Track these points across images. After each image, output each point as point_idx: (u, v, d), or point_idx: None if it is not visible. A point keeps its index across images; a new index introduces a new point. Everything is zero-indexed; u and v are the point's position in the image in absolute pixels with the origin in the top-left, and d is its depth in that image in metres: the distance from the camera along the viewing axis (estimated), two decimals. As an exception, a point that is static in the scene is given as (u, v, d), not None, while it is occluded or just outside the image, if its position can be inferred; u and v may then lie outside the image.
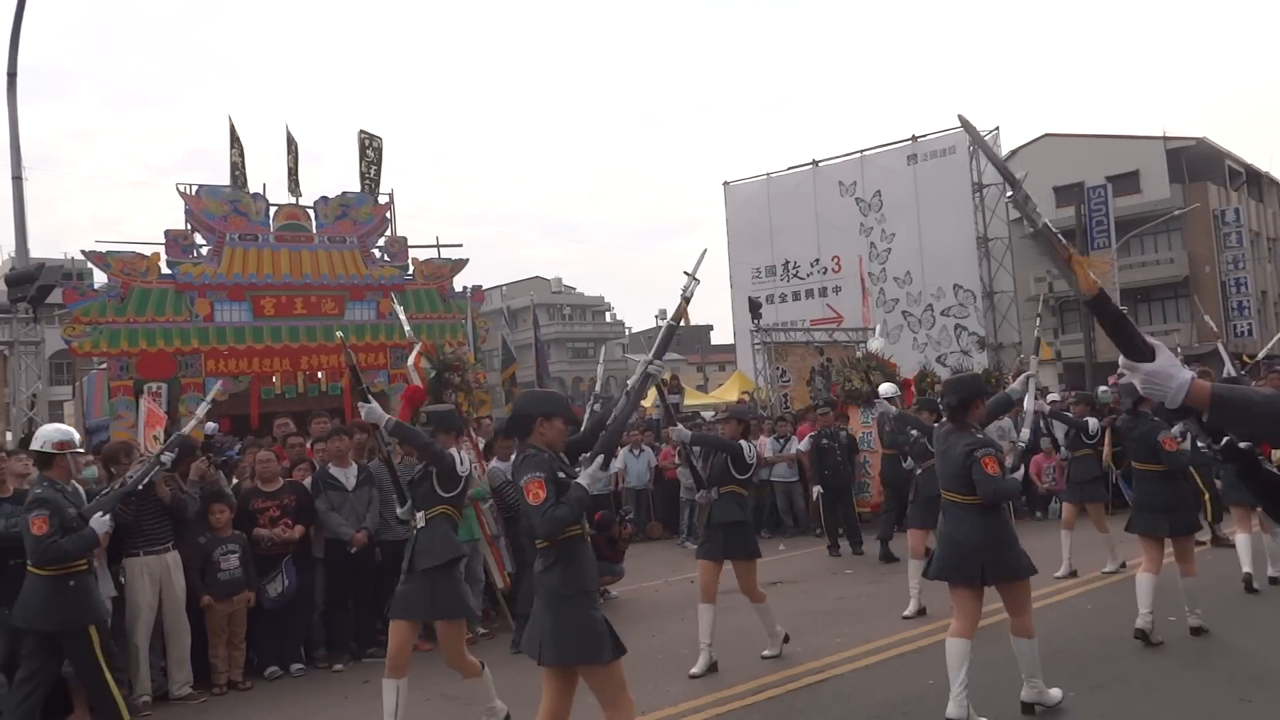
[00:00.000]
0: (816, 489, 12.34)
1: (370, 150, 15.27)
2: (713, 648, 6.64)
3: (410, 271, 15.06)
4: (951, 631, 5.26)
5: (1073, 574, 9.11)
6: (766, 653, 6.88)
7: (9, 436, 11.17)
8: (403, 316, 9.12)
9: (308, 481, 7.81)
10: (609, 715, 4.11)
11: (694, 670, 6.54)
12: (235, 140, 14.17)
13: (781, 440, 13.74)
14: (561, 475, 4.15)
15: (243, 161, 14.10)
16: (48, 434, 5.89)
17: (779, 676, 6.40)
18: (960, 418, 5.38)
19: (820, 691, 6.10)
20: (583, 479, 4.15)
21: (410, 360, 8.31)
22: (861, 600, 8.86)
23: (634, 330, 68.21)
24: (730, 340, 31.66)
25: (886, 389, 9.31)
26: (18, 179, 12.64)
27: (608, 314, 67.56)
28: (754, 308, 17.68)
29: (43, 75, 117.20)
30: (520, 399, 4.65)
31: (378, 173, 15.18)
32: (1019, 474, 5.58)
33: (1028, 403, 6.38)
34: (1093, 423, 10.00)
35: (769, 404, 16.68)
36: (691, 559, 7.79)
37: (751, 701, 5.98)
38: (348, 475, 7.77)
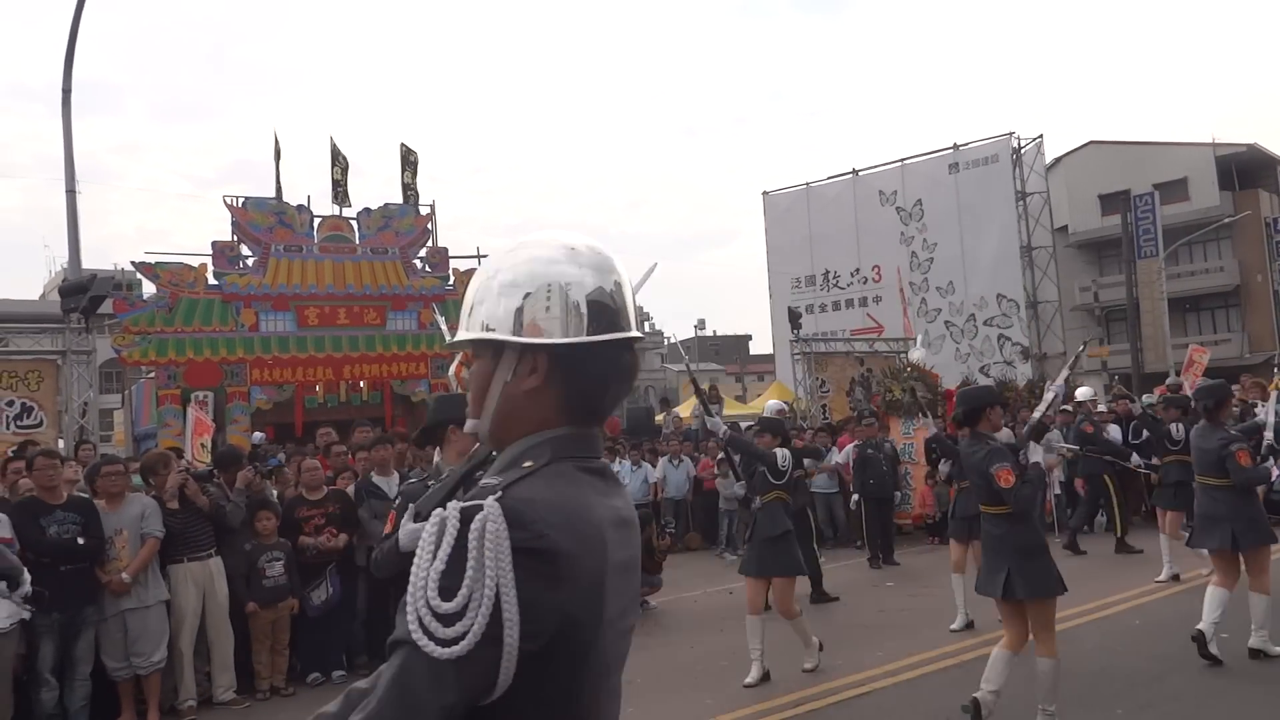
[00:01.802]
0: (855, 497, 12.25)
1: (409, 163, 15.48)
2: (765, 656, 6.63)
3: (451, 282, 15.20)
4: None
5: (1175, 577, 9.03)
6: (806, 665, 6.82)
7: (61, 444, 11.40)
8: (444, 326, 9.19)
9: (350, 490, 7.88)
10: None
11: (747, 680, 6.52)
12: (278, 154, 14.42)
13: (823, 450, 13.63)
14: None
15: (279, 173, 14.33)
16: None
17: (819, 689, 6.33)
18: (1215, 416, 6.48)
19: (861, 706, 6.04)
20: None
21: (451, 370, 8.37)
22: (904, 613, 8.76)
23: (673, 339, 68.18)
24: (769, 350, 31.49)
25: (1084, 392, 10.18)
26: (71, 193, 12.94)
27: (646, 324, 67.63)
28: (794, 318, 17.59)
29: (91, 90, 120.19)
30: (434, 404, 4.38)
31: (415, 184, 15.39)
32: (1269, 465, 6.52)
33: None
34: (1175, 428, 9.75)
35: (809, 414, 16.57)
36: (730, 570, 7.77)
37: (791, 714, 5.92)
38: (390, 484, 7.83)
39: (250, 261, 13.92)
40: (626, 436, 15.85)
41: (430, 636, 1.11)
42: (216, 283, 13.55)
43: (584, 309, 1.32)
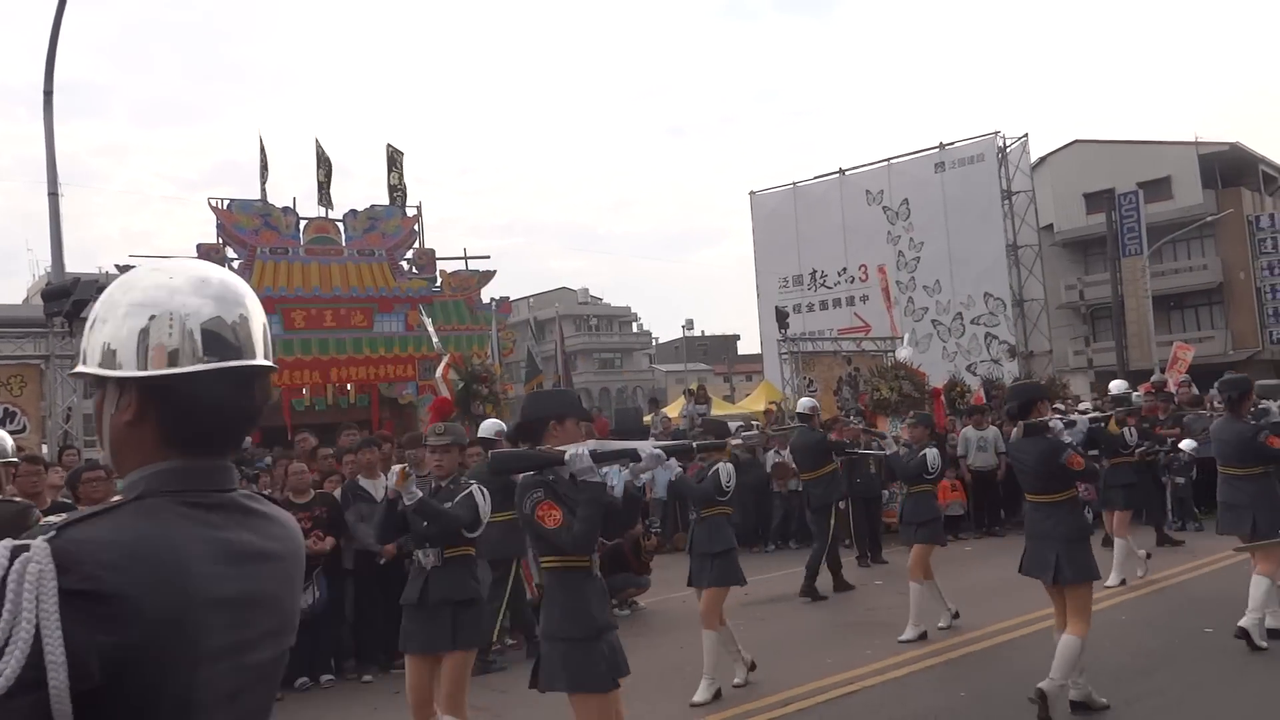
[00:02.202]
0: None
1: (396, 164, 15.44)
2: (716, 678, 6.34)
3: (438, 283, 15.17)
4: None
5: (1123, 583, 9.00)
6: (736, 680, 6.54)
7: (45, 449, 11.33)
8: (431, 329, 9.20)
9: (337, 493, 7.86)
10: None
11: (695, 699, 6.21)
12: (263, 156, 14.36)
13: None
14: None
15: (265, 177, 14.27)
16: None
17: (808, 689, 6.35)
18: (1237, 408, 6.75)
19: (850, 704, 6.05)
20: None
21: (439, 372, 8.38)
22: (891, 611, 8.77)
23: (661, 340, 68.23)
24: (757, 350, 31.56)
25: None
26: (54, 195, 12.85)
27: (634, 324, 67.63)
28: (781, 317, 17.63)
29: (74, 91, 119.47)
30: (528, 401, 4.20)
31: (402, 185, 15.35)
32: None
33: None
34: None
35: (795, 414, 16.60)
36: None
37: (780, 714, 5.94)
38: (377, 487, 7.80)
39: (236, 264, 13.86)
40: (615, 437, 15.86)
41: None
42: (201, 286, 13.50)
43: (197, 338, 1.30)
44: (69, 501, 6.68)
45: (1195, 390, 14.37)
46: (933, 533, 7.92)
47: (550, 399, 4.29)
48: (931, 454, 7.97)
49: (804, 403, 10.87)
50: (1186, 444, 11.69)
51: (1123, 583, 8.89)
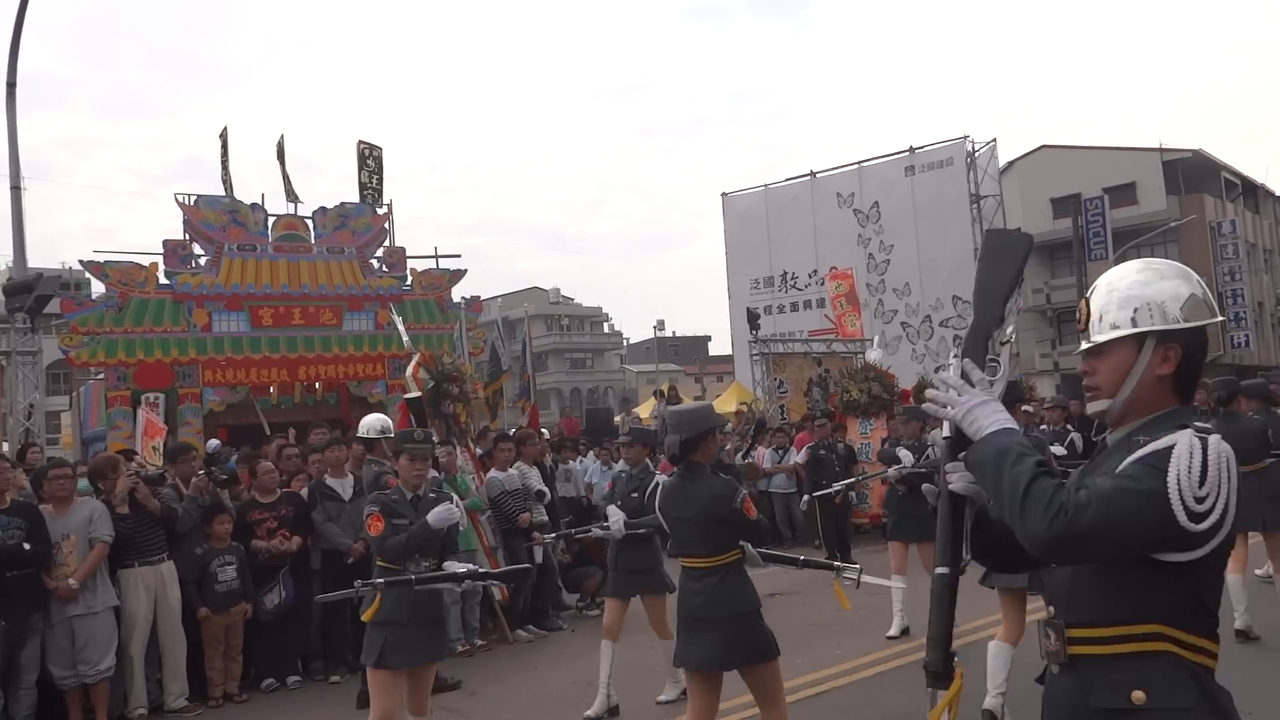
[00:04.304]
0: (805, 499, 12.26)
1: (370, 160, 15.29)
2: (611, 687, 6.16)
3: (409, 282, 15.06)
4: None
5: None
6: (661, 698, 6.33)
7: (5, 447, 11.14)
8: (401, 327, 9.13)
9: (304, 492, 7.78)
10: (767, 715, 4.37)
11: (589, 713, 6.06)
12: (225, 151, 14.18)
13: (780, 451, 13.73)
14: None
15: (227, 172, 14.10)
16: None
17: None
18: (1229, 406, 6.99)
19: (819, 704, 6.08)
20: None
21: (409, 371, 8.29)
22: (861, 612, 8.82)
23: (632, 341, 68.24)
24: (729, 351, 31.67)
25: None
26: (16, 189, 12.65)
27: (605, 325, 67.59)
28: (752, 319, 17.69)
29: (36, 83, 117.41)
30: (688, 415, 4.47)
31: (379, 182, 15.20)
32: None
33: None
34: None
35: (767, 414, 16.67)
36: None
37: (752, 713, 5.94)
38: (344, 486, 7.75)
39: (203, 261, 13.67)
40: (586, 436, 15.84)
41: None
42: (168, 282, 13.29)
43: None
44: (29, 500, 6.58)
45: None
46: None
47: (708, 412, 4.62)
48: (932, 435, 7.87)
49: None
50: None
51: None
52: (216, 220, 13.70)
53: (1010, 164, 35.84)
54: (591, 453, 14.03)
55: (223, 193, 14.03)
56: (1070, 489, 1.75)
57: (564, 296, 66.72)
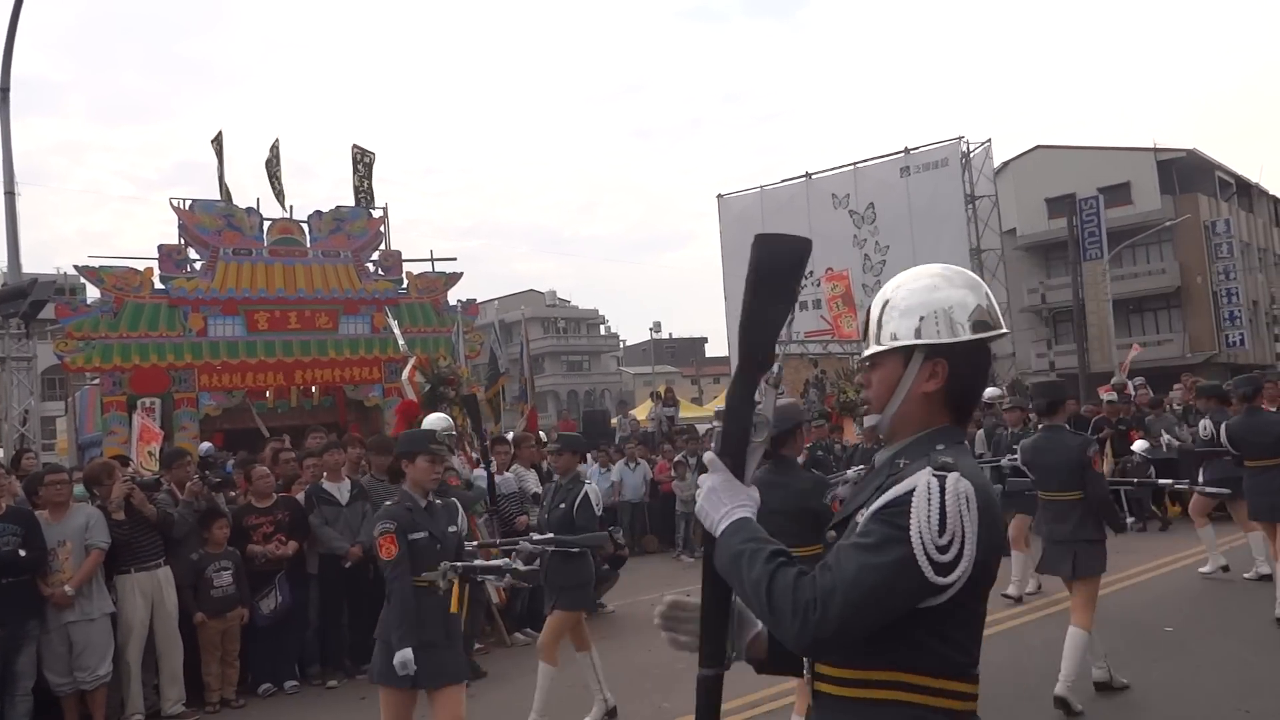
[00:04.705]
0: None
1: (361, 165, 15.29)
2: (605, 690, 5.97)
3: (404, 285, 15.06)
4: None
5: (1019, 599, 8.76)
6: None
7: (0, 453, 11.11)
8: (397, 331, 9.12)
9: (301, 497, 7.77)
10: None
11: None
12: (220, 156, 14.18)
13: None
14: None
15: (222, 176, 14.09)
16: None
17: (775, 690, 6.36)
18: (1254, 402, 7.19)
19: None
20: None
21: (405, 374, 8.29)
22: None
23: (628, 343, 68.25)
24: (725, 352, 31.69)
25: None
26: (10, 194, 12.63)
27: (602, 327, 67.59)
28: (748, 320, 17.68)
29: (30, 88, 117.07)
30: (780, 411, 4.48)
31: (369, 186, 15.20)
32: None
33: None
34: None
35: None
36: (689, 571, 7.61)
37: (749, 715, 5.95)
38: (341, 490, 7.74)
39: (198, 265, 13.67)
40: (583, 439, 15.81)
41: None
42: (163, 287, 13.28)
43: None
44: (25, 506, 6.56)
45: (1151, 392, 14.60)
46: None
47: (796, 409, 4.75)
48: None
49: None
50: (1139, 445, 11.87)
51: (1019, 600, 8.43)
52: (212, 224, 13.69)
53: (1005, 164, 35.91)
54: (589, 455, 14.03)
55: (218, 197, 14.02)
56: (814, 577, 1.62)
57: (560, 299, 66.73)
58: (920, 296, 1.82)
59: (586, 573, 5.99)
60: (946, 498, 1.59)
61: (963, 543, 1.58)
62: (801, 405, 4.98)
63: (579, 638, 6.00)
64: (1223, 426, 7.69)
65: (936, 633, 1.66)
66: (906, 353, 1.81)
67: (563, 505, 5.85)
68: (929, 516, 1.59)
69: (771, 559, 1.67)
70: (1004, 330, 1.83)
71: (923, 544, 1.57)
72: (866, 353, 1.88)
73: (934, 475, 1.62)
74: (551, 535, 5.77)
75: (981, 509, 1.62)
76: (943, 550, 1.57)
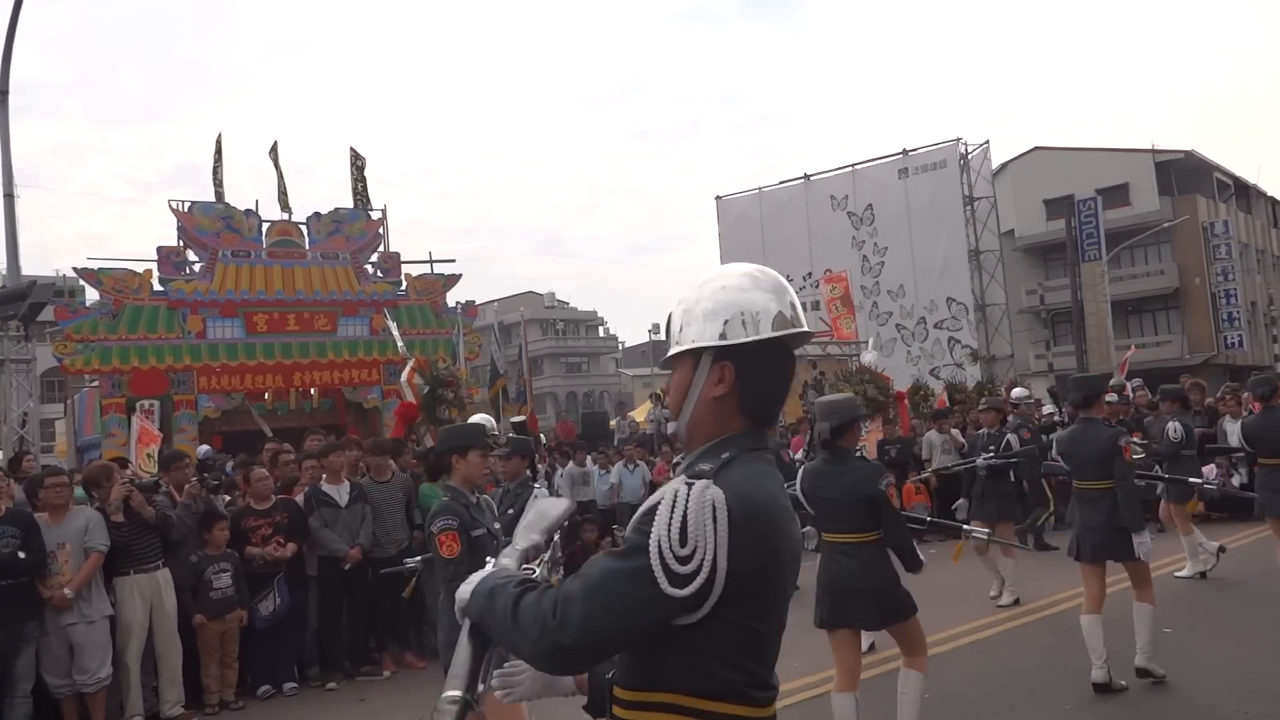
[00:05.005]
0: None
1: (354, 169, 15.31)
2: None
3: (403, 287, 15.06)
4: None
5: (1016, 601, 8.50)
6: None
7: (0, 455, 11.11)
8: (395, 332, 9.12)
9: (300, 499, 7.77)
10: (911, 659, 4.81)
11: None
12: (218, 158, 14.18)
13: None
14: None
15: (218, 177, 14.09)
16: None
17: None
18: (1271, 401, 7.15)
19: (817, 707, 6.08)
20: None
21: (404, 376, 8.30)
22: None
23: (627, 345, 68.22)
24: (723, 354, 31.62)
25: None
26: (9, 196, 12.62)
27: (601, 328, 67.58)
28: (747, 322, 17.68)
29: (28, 91, 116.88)
30: (838, 404, 4.86)
31: (364, 189, 15.22)
32: None
33: None
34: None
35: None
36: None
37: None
38: (340, 492, 7.74)
39: (197, 267, 13.68)
40: (582, 441, 15.83)
41: None
42: (162, 289, 13.29)
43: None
44: (25, 509, 6.56)
45: (1150, 394, 14.60)
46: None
47: (854, 403, 4.99)
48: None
49: (1017, 393, 12.01)
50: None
51: (1016, 602, 8.29)
52: (210, 226, 13.71)
53: (1003, 166, 35.96)
54: (588, 457, 14.04)
55: (216, 199, 14.03)
56: (561, 586, 1.58)
57: (559, 301, 66.71)
58: (714, 300, 1.73)
59: None
60: (690, 506, 1.52)
61: (705, 553, 1.50)
62: (857, 401, 5.22)
63: None
64: (1239, 425, 7.88)
65: (708, 652, 1.58)
66: (696, 356, 1.74)
67: (511, 511, 5.64)
68: (669, 526, 1.52)
69: (520, 584, 1.63)
70: (796, 330, 1.73)
71: (660, 553, 1.50)
72: (671, 353, 1.80)
73: (684, 483, 1.56)
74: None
75: (740, 521, 1.53)
76: (683, 561, 1.50)
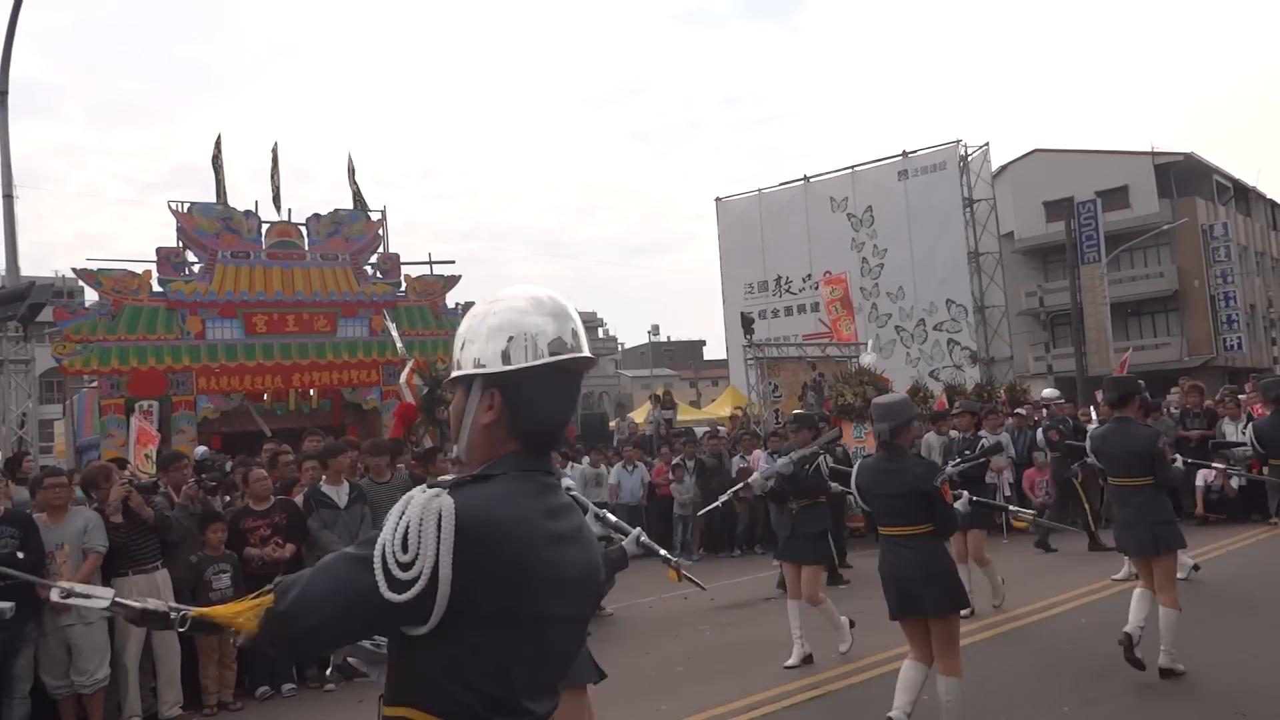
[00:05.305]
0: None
1: (350, 173, 15.33)
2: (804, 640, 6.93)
3: (403, 288, 15.07)
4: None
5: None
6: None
7: (-2, 455, 11.10)
8: (395, 334, 9.12)
9: (300, 500, 7.77)
10: (945, 663, 4.97)
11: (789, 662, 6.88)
12: (219, 159, 14.19)
13: (774, 455, 13.73)
14: None
15: (220, 179, 14.09)
16: None
17: (774, 693, 6.37)
18: None
19: (816, 707, 6.08)
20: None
21: (403, 377, 8.32)
22: (858, 614, 8.83)
23: (626, 346, 68.25)
24: (723, 355, 31.68)
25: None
26: (9, 197, 12.62)
27: (600, 330, 67.60)
28: (746, 323, 17.70)
29: (27, 91, 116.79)
30: (890, 409, 5.08)
31: (357, 190, 15.25)
32: None
33: None
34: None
35: (761, 419, 16.68)
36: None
37: (749, 717, 5.95)
38: (340, 493, 7.74)
39: (196, 268, 13.68)
40: (581, 443, 15.84)
41: None
42: (161, 289, 13.28)
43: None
44: (24, 509, 6.56)
45: (1149, 396, 14.60)
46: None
47: (909, 403, 5.38)
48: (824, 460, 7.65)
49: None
50: None
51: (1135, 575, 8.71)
52: (210, 227, 13.71)
53: (1003, 168, 35.95)
54: (586, 458, 14.06)
55: (216, 199, 14.03)
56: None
57: (558, 302, 66.59)
58: (494, 321, 1.72)
59: None
60: (412, 513, 1.51)
61: (423, 563, 1.49)
62: (914, 401, 5.83)
63: None
64: (1250, 426, 8.18)
65: (444, 669, 1.56)
66: (468, 382, 1.73)
67: None
68: (394, 530, 1.51)
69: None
70: (569, 356, 1.71)
71: (383, 556, 1.50)
72: (455, 375, 1.79)
73: (420, 490, 1.56)
74: None
75: (473, 535, 1.51)
76: (404, 567, 1.49)
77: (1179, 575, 8.88)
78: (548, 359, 1.69)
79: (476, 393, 1.71)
